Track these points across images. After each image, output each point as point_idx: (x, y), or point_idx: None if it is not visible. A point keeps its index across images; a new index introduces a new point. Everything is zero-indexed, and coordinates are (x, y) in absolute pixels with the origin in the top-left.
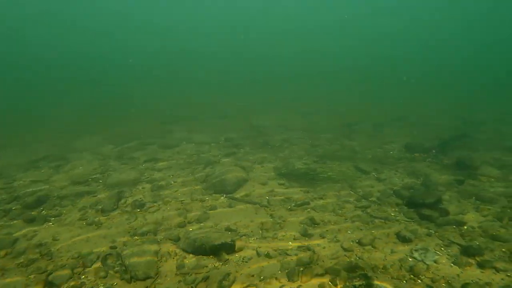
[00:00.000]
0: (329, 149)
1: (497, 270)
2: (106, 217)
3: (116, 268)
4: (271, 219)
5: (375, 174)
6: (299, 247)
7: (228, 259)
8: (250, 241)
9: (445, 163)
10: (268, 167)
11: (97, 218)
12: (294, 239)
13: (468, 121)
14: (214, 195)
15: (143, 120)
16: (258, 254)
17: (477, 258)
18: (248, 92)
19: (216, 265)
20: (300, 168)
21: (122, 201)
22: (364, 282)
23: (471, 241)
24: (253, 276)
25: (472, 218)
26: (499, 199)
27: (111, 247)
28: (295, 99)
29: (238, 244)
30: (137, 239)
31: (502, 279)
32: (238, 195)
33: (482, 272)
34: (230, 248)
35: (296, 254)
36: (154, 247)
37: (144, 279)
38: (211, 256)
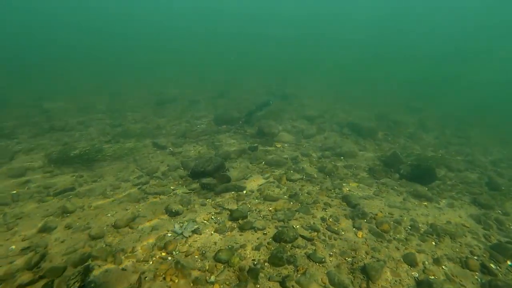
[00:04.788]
0: (131, 127)
1: (256, 230)
2: None
3: None
4: (1, 218)
5: (171, 149)
6: (23, 248)
7: None
8: None
9: (248, 132)
10: (38, 155)
11: None
12: (24, 239)
13: (278, 95)
14: None
15: None
16: None
17: (240, 221)
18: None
19: None
20: (82, 151)
21: None
22: (80, 278)
23: (243, 205)
24: None
25: (254, 181)
26: (286, 162)
27: None
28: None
29: None
30: None
31: (258, 238)
32: None
33: (241, 235)
34: None
35: (11, 262)
36: None
37: None
38: None
